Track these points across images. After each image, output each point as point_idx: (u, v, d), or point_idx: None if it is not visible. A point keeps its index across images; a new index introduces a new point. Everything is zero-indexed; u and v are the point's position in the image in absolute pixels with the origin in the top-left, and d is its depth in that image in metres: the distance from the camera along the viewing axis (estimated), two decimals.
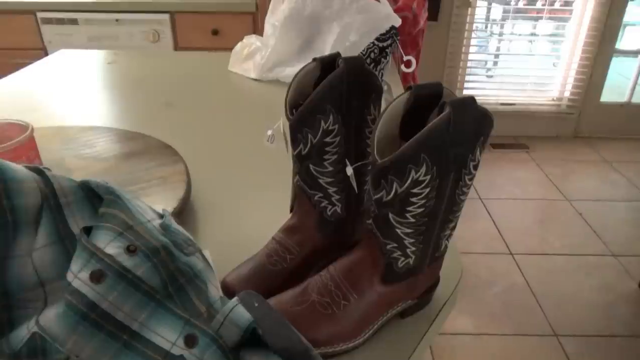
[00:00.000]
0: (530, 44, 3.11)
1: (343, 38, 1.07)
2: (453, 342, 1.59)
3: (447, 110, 0.37)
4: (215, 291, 0.44)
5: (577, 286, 1.84)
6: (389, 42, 0.65)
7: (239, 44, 1.30)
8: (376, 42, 0.65)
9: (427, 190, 0.39)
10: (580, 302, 1.76)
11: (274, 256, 0.52)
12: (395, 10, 0.99)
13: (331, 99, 0.46)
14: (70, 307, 0.36)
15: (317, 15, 1.15)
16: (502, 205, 2.35)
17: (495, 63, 3.14)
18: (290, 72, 1.18)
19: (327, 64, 0.48)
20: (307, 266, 0.53)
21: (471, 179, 0.42)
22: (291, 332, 0.41)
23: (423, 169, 0.38)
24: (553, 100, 3.09)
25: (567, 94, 3.05)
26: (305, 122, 0.47)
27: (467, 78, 3.04)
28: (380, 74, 0.67)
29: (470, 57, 2.97)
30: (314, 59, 0.48)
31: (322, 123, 0.46)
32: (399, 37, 0.66)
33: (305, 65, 0.48)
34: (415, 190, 0.39)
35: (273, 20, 1.19)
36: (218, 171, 0.78)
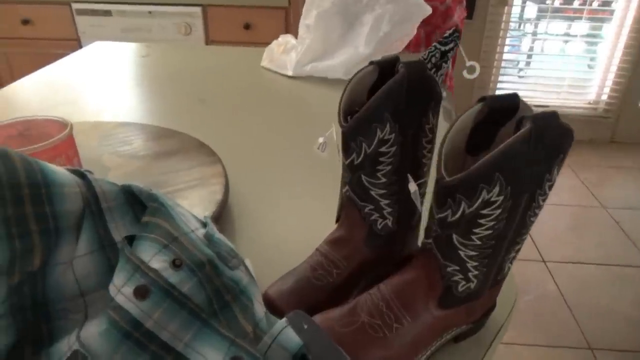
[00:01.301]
0: (564, 45, 3.01)
1: (376, 29, 1.05)
2: None
3: (528, 126, 0.33)
4: (260, 308, 0.41)
5: (613, 298, 1.77)
6: (451, 45, 0.61)
7: (274, 42, 1.28)
8: (438, 46, 0.62)
9: (498, 211, 0.36)
10: (616, 315, 1.69)
11: (319, 270, 0.49)
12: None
13: (389, 106, 0.43)
14: (113, 325, 0.34)
15: (347, 11, 1.13)
16: None
17: (527, 63, 3.05)
18: (324, 66, 1.17)
19: (385, 68, 0.45)
20: (353, 282, 0.50)
21: (544, 200, 0.38)
22: (342, 356, 0.38)
23: (496, 190, 0.34)
24: (589, 103, 2.98)
25: (604, 97, 2.94)
26: (360, 131, 0.44)
27: (500, 78, 2.96)
28: (440, 79, 0.63)
29: (503, 56, 2.89)
30: (371, 62, 0.45)
31: (379, 132, 0.43)
32: (460, 40, 0.62)
33: (362, 69, 0.45)
34: (484, 212, 0.36)
35: (307, 21, 1.17)
36: (255, 174, 0.75)
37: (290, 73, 1.16)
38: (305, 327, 0.38)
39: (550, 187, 0.38)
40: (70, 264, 0.39)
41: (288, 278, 0.49)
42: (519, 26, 2.94)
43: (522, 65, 3.06)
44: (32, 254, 0.36)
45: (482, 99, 0.37)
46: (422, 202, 0.50)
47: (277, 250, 0.58)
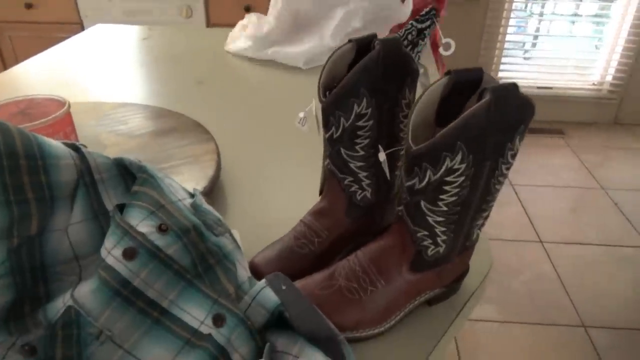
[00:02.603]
0: (571, 25, 2.98)
1: (346, 23, 1.04)
2: (478, 328, 1.58)
3: (488, 97, 0.35)
4: (243, 272, 0.44)
5: (609, 278, 1.79)
6: (427, 23, 0.63)
7: (239, 23, 1.28)
8: (414, 24, 0.63)
9: (462, 179, 0.38)
10: (612, 295, 1.72)
11: (301, 239, 0.52)
12: None
13: (365, 82, 0.45)
14: (103, 283, 0.37)
15: (321, 1, 1.12)
16: (533, 191, 2.29)
17: (534, 45, 3.02)
18: (285, 53, 1.14)
19: (363, 46, 0.47)
20: (335, 250, 0.52)
21: (508, 168, 0.40)
22: (318, 315, 0.41)
23: (459, 157, 0.37)
24: (594, 84, 2.97)
25: (609, 78, 2.92)
26: (338, 105, 0.46)
27: (503, 60, 2.94)
28: (417, 56, 0.65)
29: (507, 37, 2.87)
30: (350, 40, 0.47)
31: (356, 106, 0.46)
32: (437, 18, 0.63)
33: (340, 47, 0.47)
34: (449, 179, 0.38)
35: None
36: (247, 151, 0.78)
37: (250, 54, 1.16)
38: (284, 287, 0.41)
39: (514, 157, 0.40)
40: (65, 231, 0.42)
41: (273, 247, 0.52)
42: (525, 7, 2.91)
43: (528, 46, 3.04)
44: (29, 219, 0.39)
45: (448, 73, 0.39)
46: (398, 175, 0.52)
47: (265, 222, 0.61)
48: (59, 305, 0.38)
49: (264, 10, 1.32)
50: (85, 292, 0.37)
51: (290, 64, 1.14)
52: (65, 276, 0.42)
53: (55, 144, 0.42)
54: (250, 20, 1.25)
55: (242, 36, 1.23)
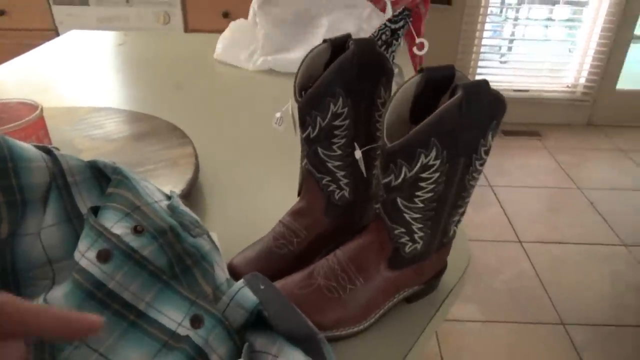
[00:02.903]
0: (545, 29, 3.05)
1: (334, 31, 1.05)
2: (460, 329, 1.59)
3: (459, 93, 0.36)
4: (221, 273, 0.44)
5: (587, 275, 1.83)
6: (401, 23, 0.64)
7: (227, 32, 1.27)
8: (388, 24, 0.64)
9: (437, 175, 0.39)
10: (589, 292, 1.75)
11: (280, 239, 0.52)
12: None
13: (341, 82, 0.45)
14: (77, 286, 0.36)
15: (303, 13, 1.13)
16: (512, 192, 2.33)
17: (509, 49, 3.08)
18: (284, 60, 1.15)
19: (338, 46, 0.47)
20: (314, 250, 0.52)
21: (482, 164, 0.41)
22: (297, 314, 0.41)
23: (433, 154, 0.37)
24: (567, 87, 3.04)
25: (582, 80, 2.99)
26: (314, 105, 0.46)
27: (480, 64, 2.99)
28: (392, 56, 0.66)
29: (483, 42, 2.92)
30: (325, 40, 0.48)
31: (332, 106, 0.46)
32: (411, 19, 0.64)
33: (316, 47, 0.47)
34: (424, 175, 0.38)
35: (262, 10, 1.17)
36: (226, 154, 0.78)
37: (250, 68, 1.16)
38: (262, 287, 0.41)
39: (487, 152, 0.41)
40: (38, 235, 0.41)
41: (252, 248, 0.52)
42: (501, 11, 2.97)
43: (504, 50, 3.10)
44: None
45: (421, 70, 0.39)
46: (375, 173, 0.52)
47: (244, 224, 0.61)
48: None
49: (243, 15, 1.32)
50: (58, 296, 0.36)
51: (283, 70, 1.14)
52: (38, 281, 0.41)
53: (27, 147, 0.41)
54: (239, 29, 1.25)
55: (233, 46, 1.23)
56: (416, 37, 0.56)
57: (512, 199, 2.27)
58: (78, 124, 0.77)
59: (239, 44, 1.22)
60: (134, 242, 0.38)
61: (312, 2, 1.11)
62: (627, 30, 2.78)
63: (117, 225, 0.38)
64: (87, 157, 0.68)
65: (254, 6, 1.18)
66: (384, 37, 0.65)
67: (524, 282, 1.79)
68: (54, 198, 0.42)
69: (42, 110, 0.60)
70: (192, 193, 0.65)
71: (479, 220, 2.12)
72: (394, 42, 0.65)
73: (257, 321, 0.41)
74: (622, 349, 1.53)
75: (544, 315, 1.65)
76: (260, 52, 1.16)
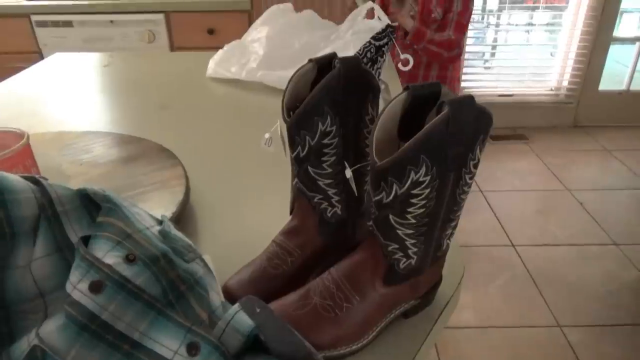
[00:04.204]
0: (527, 34, 3.10)
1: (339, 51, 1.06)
2: (457, 336, 1.59)
3: (446, 110, 0.36)
4: (216, 297, 0.43)
5: (580, 276, 1.84)
6: (385, 40, 0.64)
7: (222, 51, 1.28)
8: (372, 41, 0.65)
9: (427, 191, 0.39)
10: (583, 292, 1.76)
11: (274, 259, 0.51)
12: None
13: (328, 100, 0.45)
14: (70, 319, 0.35)
15: (311, 45, 1.13)
16: (502, 197, 2.35)
17: (492, 54, 3.13)
18: (276, 76, 1.14)
19: (324, 65, 0.48)
20: (309, 269, 0.52)
21: (472, 178, 0.41)
22: (294, 336, 0.40)
23: (423, 170, 0.37)
24: (551, 90, 3.08)
25: (565, 83, 3.04)
26: (302, 124, 0.46)
27: (465, 70, 3.02)
28: (378, 73, 0.67)
29: (467, 49, 2.96)
30: (310, 60, 0.48)
31: (320, 125, 0.46)
32: (395, 35, 0.65)
33: (302, 67, 0.48)
34: (415, 192, 0.39)
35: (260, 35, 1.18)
36: (216, 174, 0.78)
37: (242, 77, 1.16)
38: (258, 310, 0.41)
39: (476, 166, 0.41)
40: (28, 267, 0.41)
41: (246, 269, 0.52)
42: (482, 18, 3.02)
43: (487, 56, 3.14)
44: None
45: (407, 88, 0.40)
46: (366, 190, 0.53)
47: (237, 244, 0.60)
48: (24, 345, 0.36)
49: (228, 33, 1.33)
50: (51, 330, 0.36)
51: (272, 85, 1.14)
52: (30, 315, 0.40)
53: (14, 178, 0.40)
54: (232, 48, 1.25)
55: (224, 61, 1.22)
56: (400, 53, 0.57)
57: (503, 203, 2.28)
58: (65, 149, 0.77)
59: (230, 59, 1.22)
60: (126, 271, 0.37)
61: (320, 37, 1.11)
62: (606, 32, 2.84)
63: (108, 255, 0.38)
64: (76, 182, 0.68)
65: (258, 33, 1.18)
66: (369, 54, 0.65)
67: (518, 285, 1.80)
68: (44, 229, 0.41)
69: (28, 138, 0.59)
70: (183, 215, 0.64)
71: (472, 225, 2.13)
72: (379, 58, 0.66)
73: (254, 345, 0.40)
74: (618, 349, 1.54)
75: (540, 318, 1.65)
76: (256, 65, 1.16)
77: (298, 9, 1.26)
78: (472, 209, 2.23)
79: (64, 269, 0.42)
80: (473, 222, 2.15)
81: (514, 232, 2.08)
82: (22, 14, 2.10)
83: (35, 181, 0.42)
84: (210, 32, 2.14)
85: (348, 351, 0.44)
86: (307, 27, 1.16)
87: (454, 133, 0.37)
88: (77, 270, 0.37)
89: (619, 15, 2.85)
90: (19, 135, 0.60)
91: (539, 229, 2.11)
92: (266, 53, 1.16)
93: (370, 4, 0.96)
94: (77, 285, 0.36)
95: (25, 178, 0.42)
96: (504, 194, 2.37)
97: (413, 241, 0.42)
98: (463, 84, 3.05)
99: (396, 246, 0.42)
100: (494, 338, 1.58)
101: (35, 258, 0.41)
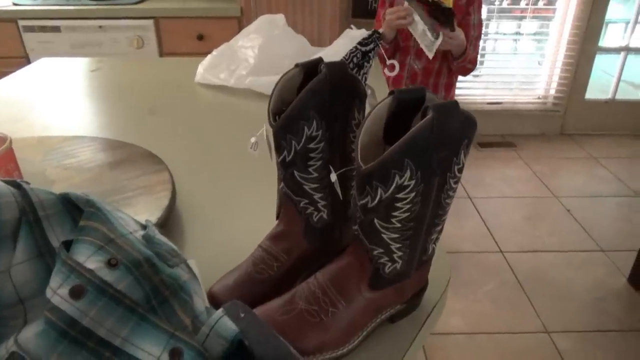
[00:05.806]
0: (515, 43, 3.14)
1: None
2: (446, 342, 1.59)
3: (430, 114, 0.36)
4: (200, 302, 0.43)
5: (568, 283, 1.85)
6: (371, 46, 0.65)
7: (209, 56, 1.28)
8: (359, 47, 0.65)
9: (412, 195, 0.39)
10: (571, 299, 1.77)
11: (260, 264, 0.51)
12: None
13: (314, 105, 0.45)
14: (49, 325, 0.35)
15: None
16: (491, 203, 2.36)
17: (481, 63, 3.16)
18: (263, 81, 1.15)
19: (310, 69, 0.48)
20: (295, 274, 0.52)
21: (456, 182, 0.41)
22: (279, 341, 0.40)
23: (407, 174, 0.38)
24: (539, 98, 3.12)
25: (552, 91, 3.08)
26: (288, 129, 0.46)
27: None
28: (364, 78, 0.67)
29: None
30: (297, 65, 0.48)
31: (306, 129, 0.46)
32: (381, 41, 0.66)
33: (288, 71, 0.48)
34: (400, 196, 0.39)
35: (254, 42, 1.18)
36: (203, 179, 0.77)
37: (231, 84, 1.16)
38: (242, 315, 0.40)
39: (460, 170, 0.41)
40: (8, 273, 0.40)
41: (231, 274, 0.51)
42: None
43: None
44: None
45: (392, 93, 0.40)
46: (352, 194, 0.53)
47: (223, 249, 0.60)
48: (2, 352, 0.36)
49: (218, 39, 1.32)
50: (30, 336, 0.35)
51: (259, 90, 1.14)
52: (9, 321, 0.39)
53: None
54: (221, 54, 1.25)
55: (213, 67, 1.22)
56: (387, 59, 0.57)
57: (491, 210, 2.30)
58: (50, 154, 0.76)
59: (219, 66, 1.22)
60: (108, 276, 0.37)
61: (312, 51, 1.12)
62: (592, 42, 2.88)
63: (90, 260, 0.37)
64: (60, 187, 0.67)
65: (250, 41, 1.18)
66: (355, 59, 0.66)
67: (506, 291, 1.81)
68: (25, 234, 0.41)
69: (10, 142, 0.59)
70: (169, 220, 0.64)
71: (460, 232, 2.13)
72: (365, 64, 0.66)
73: (238, 350, 0.40)
74: (606, 355, 1.55)
75: (529, 325, 1.66)
76: (245, 73, 1.16)
77: (288, 19, 1.27)
78: (460, 216, 2.24)
79: (45, 274, 0.41)
80: (462, 229, 2.16)
81: (502, 238, 2.09)
82: (8, 19, 2.08)
83: (16, 185, 0.42)
84: (200, 38, 2.14)
85: (334, 356, 0.44)
86: (299, 52, 1.17)
87: (438, 137, 0.37)
88: (58, 276, 0.37)
89: (604, 26, 2.89)
90: (1, 139, 0.60)
91: (527, 235, 2.13)
92: (256, 64, 1.16)
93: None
94: (58, 291, 0.36)
95: (6, 182, 0.42)
96: (492, 200, 2.39)
97: (398, 245, 0.42)
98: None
99: (381, 250, 0.42)
100: (482, 344, 1.58)
101: (15, 263, 0.40)
